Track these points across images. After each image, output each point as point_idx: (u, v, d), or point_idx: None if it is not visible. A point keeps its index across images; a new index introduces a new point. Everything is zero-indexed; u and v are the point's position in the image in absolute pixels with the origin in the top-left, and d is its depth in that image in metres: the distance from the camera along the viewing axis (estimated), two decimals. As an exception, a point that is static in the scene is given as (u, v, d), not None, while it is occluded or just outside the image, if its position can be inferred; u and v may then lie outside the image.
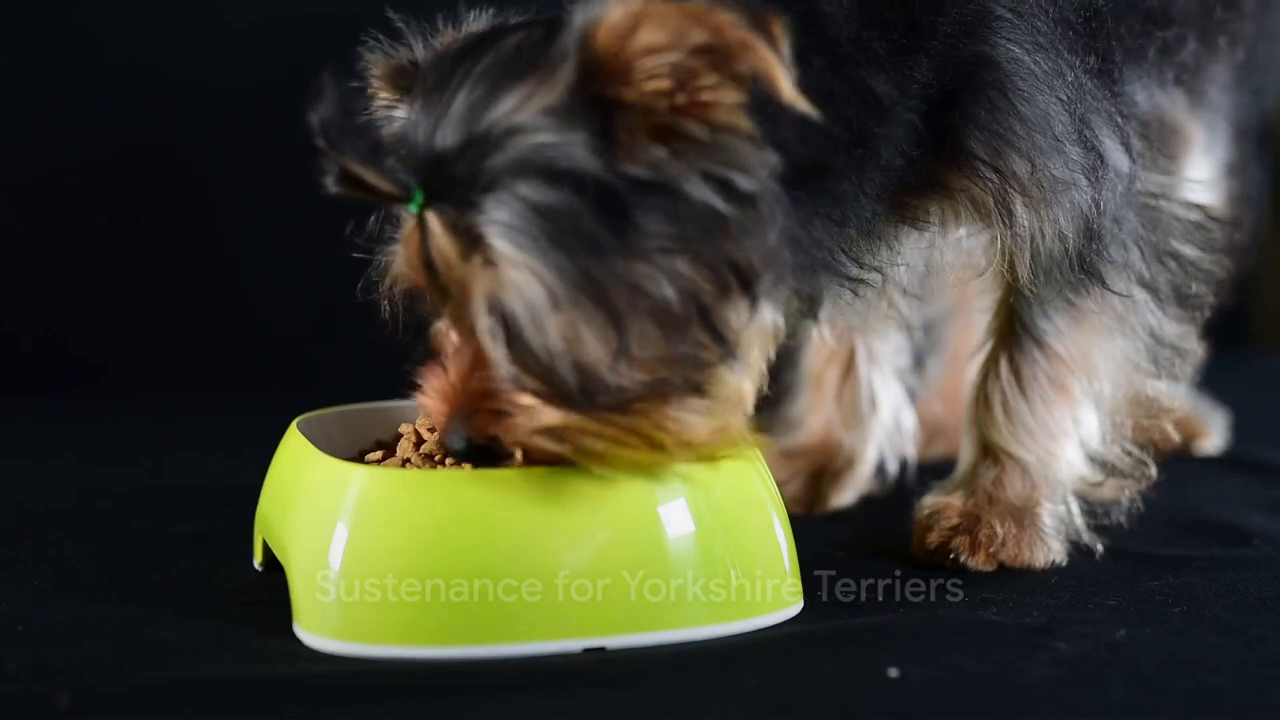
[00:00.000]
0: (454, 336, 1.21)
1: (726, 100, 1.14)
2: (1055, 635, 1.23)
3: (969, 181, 1.32)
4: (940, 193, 1.33)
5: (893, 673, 1.15)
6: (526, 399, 1.18)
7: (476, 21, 1.25)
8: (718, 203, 1.16)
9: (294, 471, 1.32)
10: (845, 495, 1.62)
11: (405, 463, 1.29)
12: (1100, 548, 1.42)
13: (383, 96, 1.26)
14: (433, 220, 1.17)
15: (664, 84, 1.13)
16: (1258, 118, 1.80)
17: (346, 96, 1.18)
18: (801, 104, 1.13)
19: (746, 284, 1.18)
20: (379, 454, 1.32)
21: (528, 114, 1.15)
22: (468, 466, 1.22)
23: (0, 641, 1.23)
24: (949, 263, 1.42)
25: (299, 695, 1.12)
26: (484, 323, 1.18)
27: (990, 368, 1.43)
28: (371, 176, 1.16)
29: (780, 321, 1.24)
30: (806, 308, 1.29)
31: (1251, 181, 1.81)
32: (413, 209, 1.17)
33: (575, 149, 1.14)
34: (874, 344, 1.61)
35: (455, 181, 1.16)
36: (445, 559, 1.19)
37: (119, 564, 1.44)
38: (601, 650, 1.20)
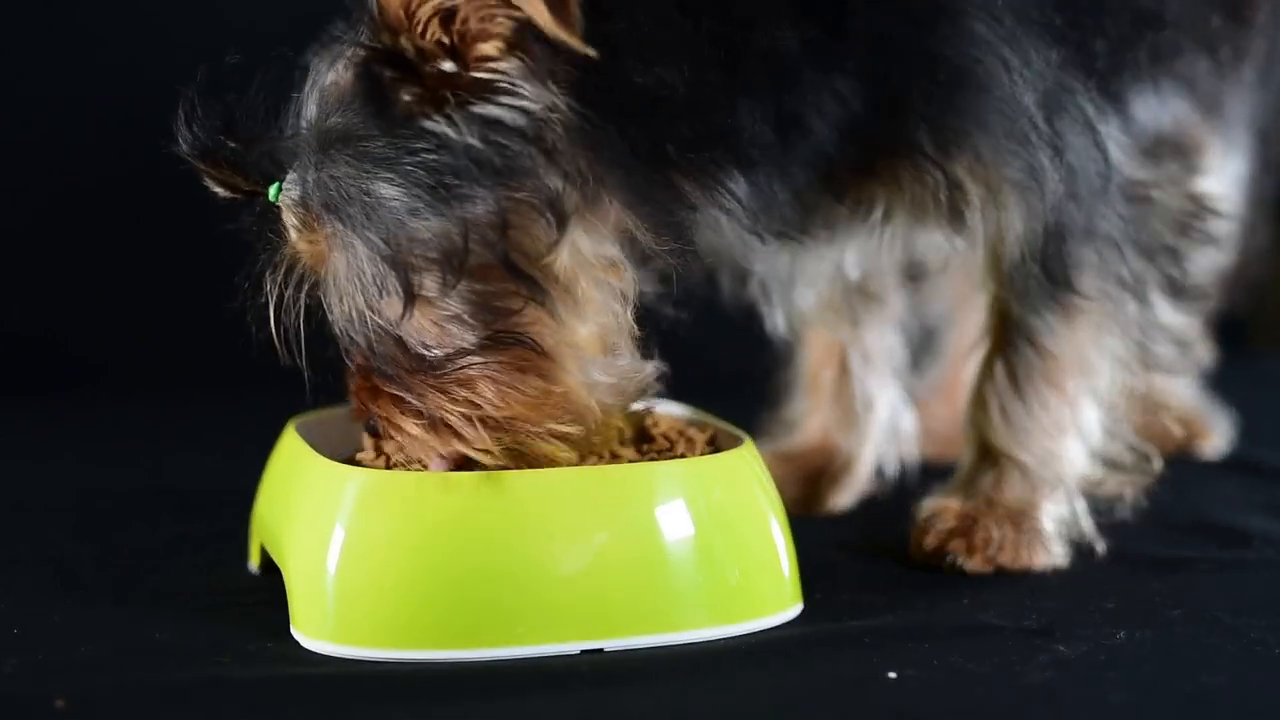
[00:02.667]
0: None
1: (490, 31, 1.15)
2: (1054, 637, 1.23)
3: (912, 175, 1.31)
4: (884, 182, 1.32)
5: (891, 675, 1.15)
6: (382, 383, 1.22)
7: None
8: (486, 142, 1.17)
9: (291, 474, 1.31)
10: (843, 497, 1.62)
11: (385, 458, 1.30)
12: (1103, 549, 1.42)
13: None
14: (284, 208, 1.22)
15: (435, 28, 1.15)
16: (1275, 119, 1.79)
17: (215, 109, 1.25)
18: (571, 40, 1.14)
19: (541, 213, 1.18)
20: (372, 454, 1.32)
21: (333, 92, 1.20)
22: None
23: (-2, 642, 1.23)
24: (898, 260, 1.42)
25: (297, 697, 1.12)
26: (326, 301, 1.22)
27: (986, 369, 1.43)
28: (234, 176, 1.24)
29: (612, 250, 1.23)
30: (679, 245, 1.26)
31: (1265, 185, 1.80)
32: (271, 197, 1.22)
33: (358, 114, 1.18)
34: (869, 344, 1.61)
35: (295, 168, 1.21)
36: (443, 561, 1.19)
37: (118, 564, 1.44)
38: (600, 652, 1.20)
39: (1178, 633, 1.24)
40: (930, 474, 1.56)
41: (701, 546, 1.22)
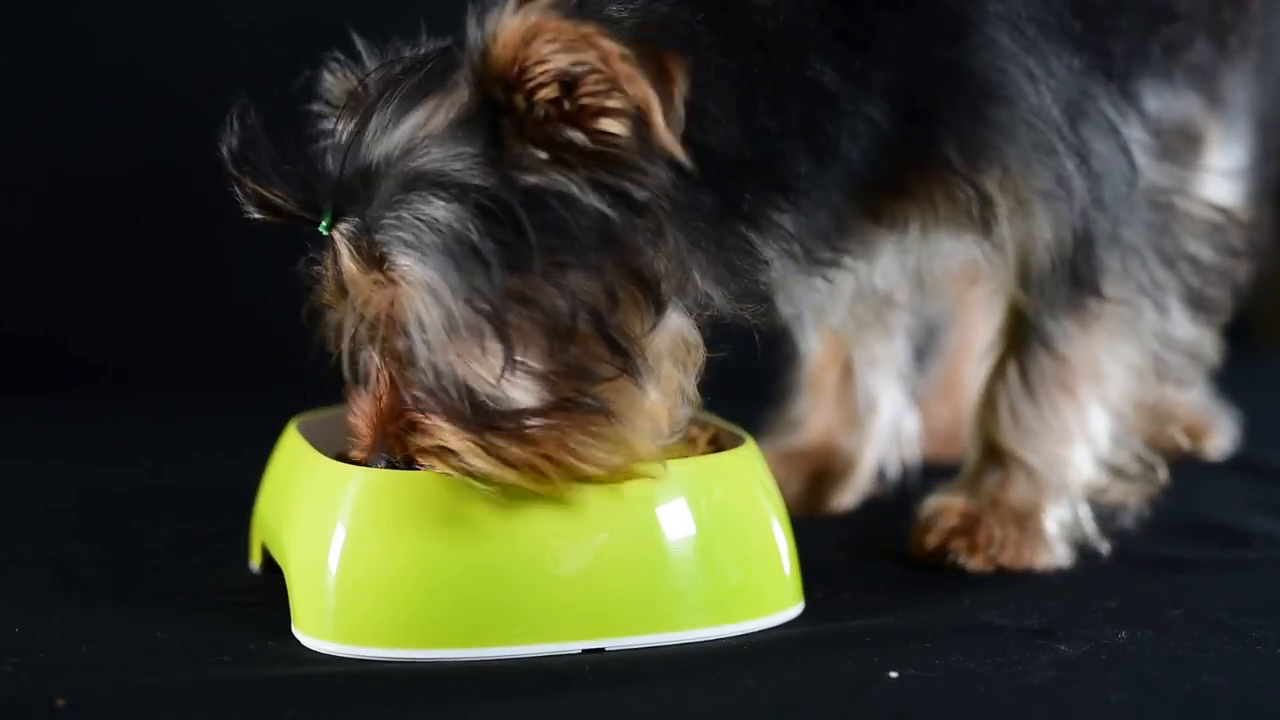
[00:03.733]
0: (374, 357, 1.21)
1: (610, 107, 1.14)
2: (1056, 637, 1.23)
3: (944, 189, 1.31)
4: (916, 199, 1.32)
5: (892, 674, 1.15)
6: (428, 419, 1.19)
7: (425, 45, 1.24)
8: (608, 210, 1.15)
9: (292, 473, 1.31)
10: (845, 497, 1.62)
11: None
12: (1105, 551, 1.42)
13: (338, 115, 1.25)
14: (340, 241, 1.18)
15: (553, 91, 1.13)
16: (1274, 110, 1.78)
17: (258, 124, 1.20)
18: (676, 151, 1.13)
19: (646, 291, 1.17)
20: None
21: (428, 131, 1.16)
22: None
23: (-2, 642, 1.23)
24: (935, 271, 1.41)
25: (298, 697, 1.12)
26: (383, 341, 1.19)
27: (998, 370, 1.43)
28: (280, 201, 1.19)
29: (693, 333, 1.22)
30: (759, 307, 1.27)
31: (1266, 174, 1.80)
32: (322, 229, 1.19)
33: (467, 160, 1.15)
34: (873, 346, 1.61)
35: (358, 201, 1.17)
36: (444, 560, 1.18)
37: (118, 564, 1.44)
38: (601, 652, 1.20)
39: (1179, 633, 1.24)
40: (932, 475, 1.56)
41: (702, 546, 1.22)
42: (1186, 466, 1.65)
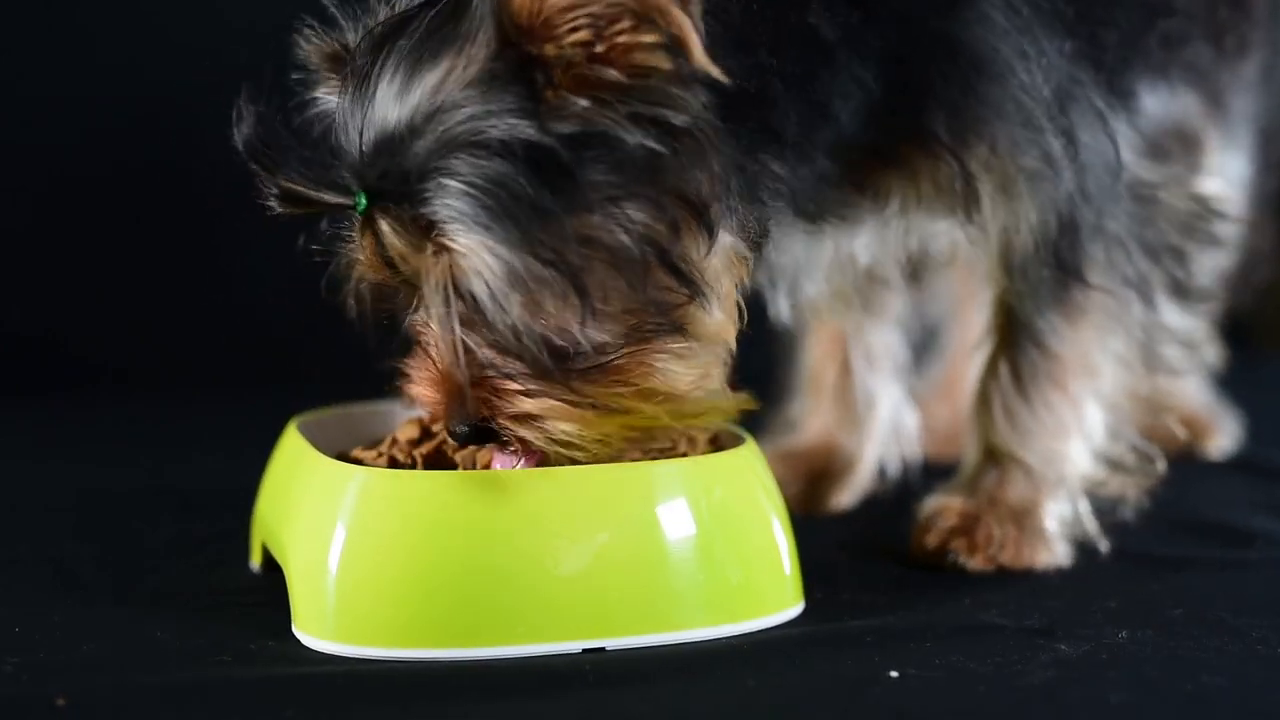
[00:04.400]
0: (433, 325, 1.19)
1: (644, 42, 1.13)
2: (1056, 637, 1.23)
3: (930, 163, 1.31)
4: (902, 171, 1.32)
5: (892, 674, 1.15)
6: (507, 384, 1.18)
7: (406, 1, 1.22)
8: (653, 142, 1.15)
9: (292, 472, 1.31)
10: (845, 496, 1.62)
11: (392, 459, 1.30)
12: (1106, 548, 1.42)
13: (321, 83, 1.25)
14: (380, 218, 1.16)
15: (583, 35, 1.13)
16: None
17: (268, 114, 1.18)
18: (712, 70, 1.13)
19: (699, 216, 1.17)
20: (373, 452, 1.32)
21: (449, 91, 1.14)
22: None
23: (-2, 642, 1.23)
24: (916, 250, 1.41)
25: (298, 697, 1.12)
26: (448, 309, 1.17)
27: (990, 368, 1.43)
28: (312, 191, 1.17)
29: (742, 248, 1.23)
30: (758, 237, 1.27)
31: (1268, 183, 1.80)
32: (359, 211, 1.17)
33: (503, 117, 1.14)
34: (871, 343, 1.61)
35: (393, 175, 1.15)
36: (444, 560, 1.18)
37: (118, 564, 1.44)
38: (601, 651, 1.20)
39: (1179, 633, 1.24)
40: (932, 474, 1.56)
41: (703, 546, 1.22)
42: (1188, 466, 1.65)
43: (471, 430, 1.20)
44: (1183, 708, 1.11)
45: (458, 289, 1.16)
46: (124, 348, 2.23)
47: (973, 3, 1.29)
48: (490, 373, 1.18)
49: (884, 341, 1.61)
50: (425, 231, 1.15)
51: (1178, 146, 1.44)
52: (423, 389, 1.22)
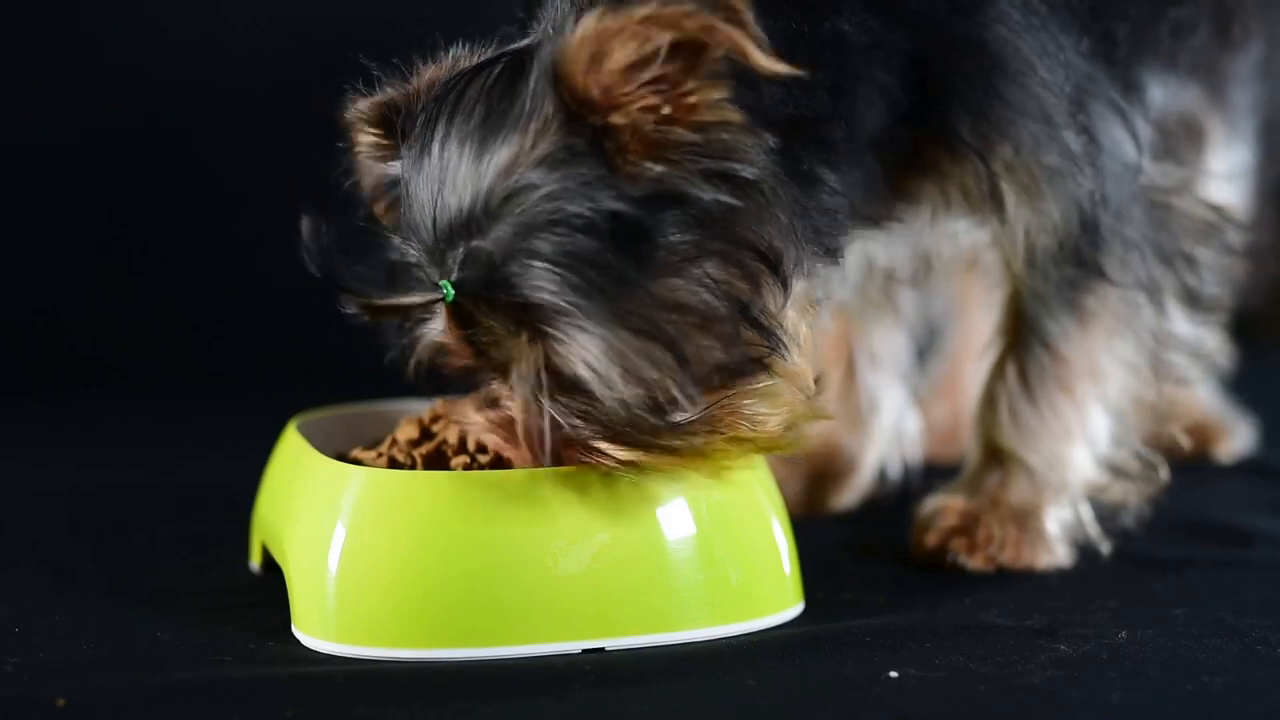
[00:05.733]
0: (521, 402, 1.19)
1: (712, 98, 1.13)
2: (1056, 637, 1.23)
3: (958, 165, 1.31)
4: (931, 176, 1.32)
5: (893, 674, 1.15)
6: (601, 443, 1.18)
7: (453, 58, 1.22)
8: (725, 196, 1.14)
9: (292, 473, 1.31)
10: (846, 497, 1.62)
11: (391, 459, 1.30)
12: (1106, 551, 1.42)
13: (367, 141, 1.24)
14: (469, 307, 1.16)
15: (651, 100, 1.12)
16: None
17: (329, 227, 1.17)
18: (780, 68, 1.12)
19: (773, 267, 1.17)
20: (372, 453, 1.32)
21: (522, 171, 1.13)
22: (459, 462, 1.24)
23: (-2, 642, 1.23)
24: (943, 253, 1.41)
25: (298, 697, 1.12)
26: (538, 391, 1.16)
27: (997, 369, 1.42)
28: (399, 300, 1.16)
29: (810, 288, 1.24)
30: (830, 259, 1.27)
31: (1269, 176, 1.79)
32: (446, 302, 1.16)
33: (580, 192, 1.13)
34: (875, 345, 1.61)
35: (475, 262, 1.14)
36: (444, 560, 1.18)
37: (118, 565, 1.44)
38: (601, 651, 1.20)
39: (1180, 633, 1.24)
40: (933, 475, 1.56)
41: (703, 546, 1.22)
42: (1189, 466, 1.65)
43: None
44: (1184, 708, 1.11)
45: (557, 374, 1.15)
46: (124, 347, 2.23)
47: (992, 3, 1.29)
48: (580, 433, 1.18)
49: (889, 343, 1.61)
50: (515, 317, 1.15)
51: (1184, 139, 1.44)
52: (504, 443, 1.22)
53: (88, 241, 2.25)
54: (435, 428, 1.32)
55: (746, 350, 1.17)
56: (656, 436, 1.17)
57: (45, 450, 1.93)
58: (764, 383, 1.19)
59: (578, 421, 1.18)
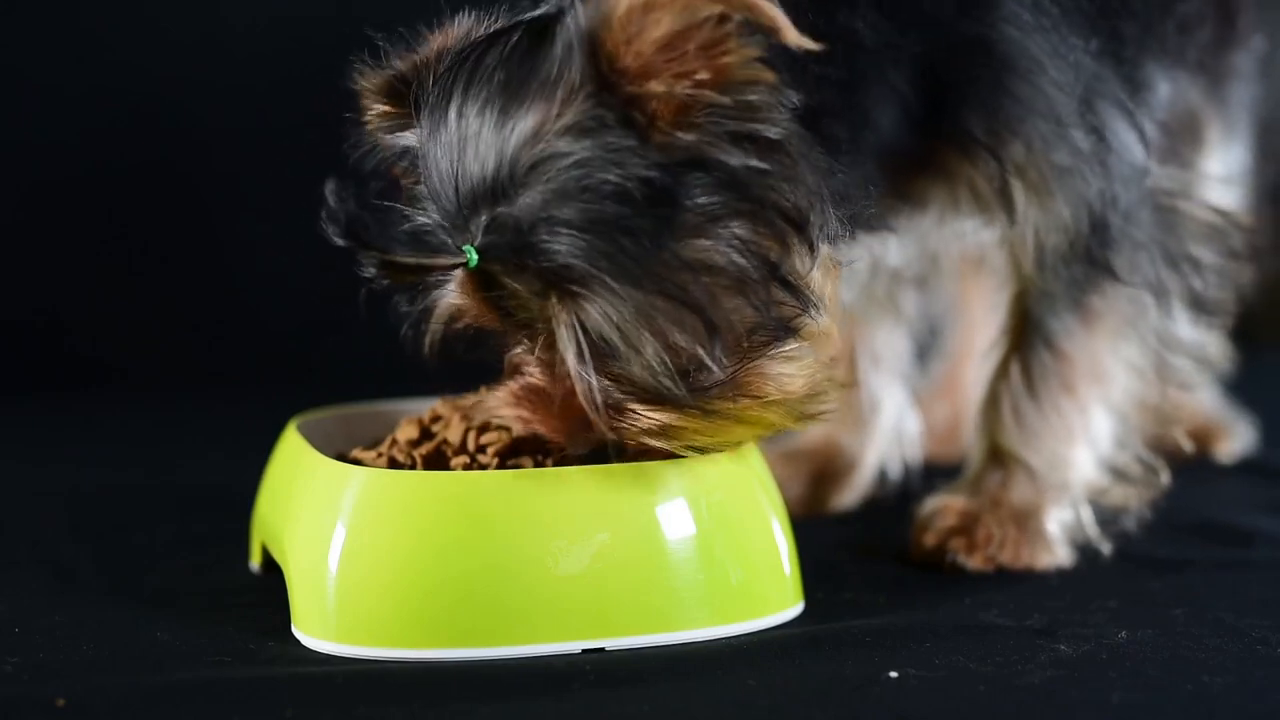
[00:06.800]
0: (567, 363, 1.18)
1: (748, 56, 1.12)
2: (1056, 637, 1.23)
3: (969, 165, 1.31)
4: (940, 176, 1.33)
5: (893, 674, 1.15)
6: (631, 403, 1.18)
7: (460, 25, 1.21)
8: (753, 159, 1.14)
9: (292, 473, 1.31)
10: (846, 497, 1.62)
11: (391, 459, 1.30)
12: (1107, 552, 1.42)
13: (377, 113, 1.24)
14: (496, 271, 1.15)
15: (688, 66, 1.12)
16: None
17: (353, 193, 1.16)
18: (809, 43, 1.12)
19: (800, 230, 1.17)
20: (372, 453, 1.32)
21: (548, 139, 1.13)
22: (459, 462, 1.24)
23: (-2, 642, 1.23)
24: (950, 252, 1.41)
25: (298, 697, 1.12)
26: (581, 350, 1.16)
27: (1001, 369, 1.42)
28: (421, 260, 1.15)
29: (833, 252, 1.23)
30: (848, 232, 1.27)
31: (1267, 175, 1.79)
32: (471, 266, 1.15)
33: (609, 160, 1.12)
34: (877, 346, 1.61)
35: (502, 228, 1.14)
36: (444, 560, 1.18)
37: (118, 565, 1.44)
38: (601, 651, 1.20)
39: (1180, 633, 1.24)
40: (933, 475, 1.56)
41: (703, 546, 1.22)
42: (1190, 467, 1.65)
43: (592, 452, 1.21)
44: (1184, 708, 1.11)
45: (586, 333, 1.15)
46: (124, 347, 2.23)
47: (1002, 3, 1.29)
48: (614, 397, 1.18)
49: (891, 344, 1.61)
50: (544, 282, 1.14)
51: (1183, 133, 1.44)
52: (533, 416, 1.21)
53: (88, 241, 2.25)
54: (435, 428, 1.32)
55: (780, 310, 1.18)
56: (686, 399, 1.17)
57: (45, 450, 1.93)
58: (792, 345, 1.19)
59: (609, 384, 1.17)
